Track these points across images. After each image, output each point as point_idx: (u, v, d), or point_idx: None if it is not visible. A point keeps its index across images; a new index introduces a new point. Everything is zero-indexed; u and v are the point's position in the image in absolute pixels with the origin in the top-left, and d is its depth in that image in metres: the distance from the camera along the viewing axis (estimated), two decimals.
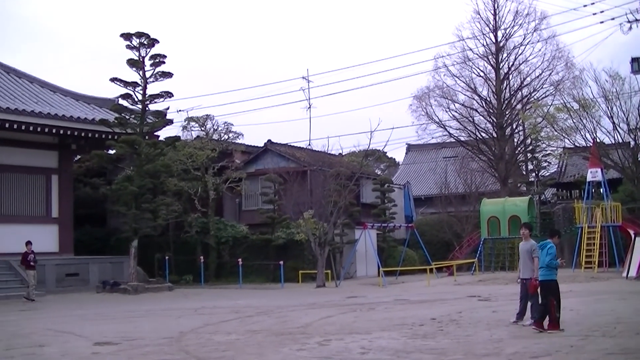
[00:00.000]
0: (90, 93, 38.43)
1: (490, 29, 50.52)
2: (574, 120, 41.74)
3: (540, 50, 49.58)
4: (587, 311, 17.80)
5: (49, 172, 35.74)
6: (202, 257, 38.52)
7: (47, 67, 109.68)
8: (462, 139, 52.99)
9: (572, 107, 41.89)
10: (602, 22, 41.91)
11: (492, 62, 50.70)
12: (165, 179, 37.35)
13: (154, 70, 33.44)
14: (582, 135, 42.15)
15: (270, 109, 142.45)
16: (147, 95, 33.58)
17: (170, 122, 37.12)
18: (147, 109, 33.97)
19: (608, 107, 40.88)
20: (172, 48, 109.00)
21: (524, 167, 54.17)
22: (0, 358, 13.02)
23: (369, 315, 19.43)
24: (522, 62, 50.38)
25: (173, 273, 38.31)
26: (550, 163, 52.67)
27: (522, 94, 51.10)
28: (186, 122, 43.03)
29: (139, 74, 33.31)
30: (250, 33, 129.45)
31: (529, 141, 50.87)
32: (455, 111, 51.68)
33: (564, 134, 43.46)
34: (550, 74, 49.01)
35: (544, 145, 48.91)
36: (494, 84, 50.49)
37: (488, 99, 51.12)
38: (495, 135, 50.62)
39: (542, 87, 49.78)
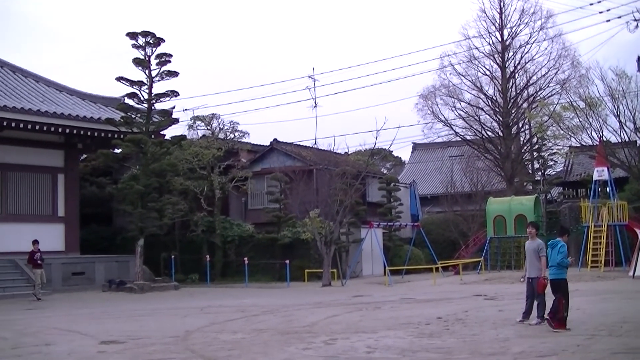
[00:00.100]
0: (96, 92, 38.57)
1: (496, 27, 50.52)
2: (580, 119, 41.64)
3: (546, 48, 49.60)
4: (594, 310, 17.77)
5: (55, 171, 35.80)
6: (208, 256, 38.51)
7: (52, 66, 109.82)
8: (468, 137, 52.96)
9: (579, 105, 41.81)
10: (608, 21, 41.95)
11: (498, 61, 50.66)
12: (171, 178, 37.41)
13: (159, 69, 33.45)
14: (588, 134, 42.08)
15: (276, 108, 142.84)
16: (153, 94, 33.58)
17: (176, 121, 37.21)
18: (153, 108, 33.98)
19: (614, 106, 40.80)
20: (177, 47, 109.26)
21: (530, 166, 54.06)
22: (7, 356, 13.05)
23: (375, 314, 19.42)
24: (528, 61, 50.36)
25: (179, 272, 38.31)
26: (557, 162, 52.61)
27: (528, 92, 51.04)
28: (192, 121, 43.07)
29: (145, 73, 33.32)
30: (255, 32, 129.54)
31: (535, 140, 50.80)
32: (461, 110, 51.69)
33: (570, 133, 43.36)
34: (557, 72, 49.02)
35: (550, 144, 48.80)
36: (500, 82, 50.45)
37: (494, 98, 51.09)
38: (501, 134, 50.57)
39: (548, 86, 49.77)
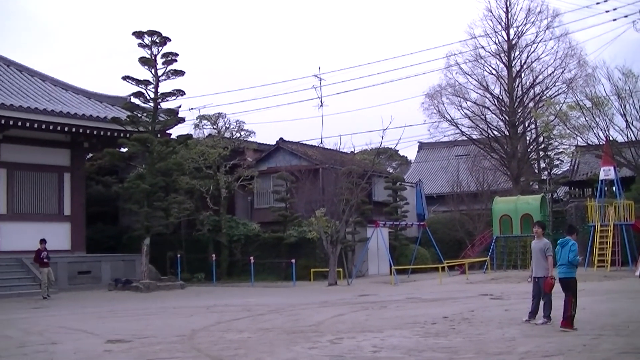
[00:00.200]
0: (102, 91, 38.62)
1: (502, 26, 50.44)
2: (587, 118, 41.46)
3: (552, 48, 49.54)
4: (600, 310, 17.73)
5: (61, 170, 35.87)
6: (214, 255, 38.52)
7: (52, 66, 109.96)
8: (474, 137, 52.89)
9: (585, 105, 41.62)
10: (615, 20, 41.90)
11: (504, 60, 50.60)
12: (177, 177, 37.48)
13: (165, 69, 33.51)
14: (594, 133, 41.86)
15: (282, 107, 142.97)
16: (159, 94, 33.64)
17: (182, 120, 37.22)
18: (159, 107, 34.03)
19: (621, 105, 40.62)
20: (183, 46, 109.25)
21: (536, 165, 54.02)
22: (13, 355, 13.07)
23: (381, 314, 19.40)
24: (535, 60, 50.29)
25: (185, 271, 38.34)
26: (563, 161, 52.57)
27: (534, 91, 50.96)
28: (198, 120, 43.09)
29: (151, 72, 33.38)
30: (262, 31, 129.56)
31: (541, 139, 50.75)
32: (467, 109, 51.62)
33: (576, 132, 43.18)
34: (563, 71, 48.93)
35: (556, 144, 48.69)
36: (506, 81, 50.39)
37: (500, 97, 51.03)
38: (507, 133, 50.51)
39: (554, 85, 49.67)
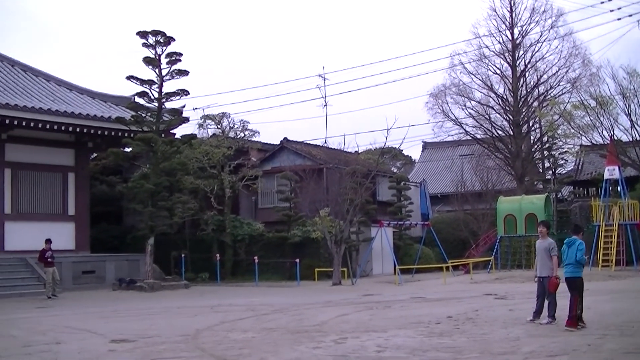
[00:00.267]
0: (105, 91, 38.66)
1: (506, 26, 50.48)
2: (591, 118, 41.48)
3: (557, 47, 49.58)
4: (605, 310, 17.70)
5: (65, 170, 35.90)
6: (218, 255, 38.54)
7: (54, 66, 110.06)
8: (478, 136, 52.95)
9: (589, 104, 41.63)
10: (619, 19, 41.94)
11: (508, 60, 50.61)
12: (182, 176, 37.48)
13: (170, 68, 33.48)
14: (599, 133, 41.87)
15: (286, 107, 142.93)
16: (163, 93, 33.62)
17: (187, 120, 37.19)
18: (163, 106, 34.02)
19: (626, 105, 40.63)
20: (187, 46, 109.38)
21: (540, 164, 53.97)
22: (18, 354, 13.08)
23: (385, 313, 19.39)
24: (539, 60, 50.36)
25: (189, 271, 38.35)
26: (567, 161, 52.54)
27: (538, 91, 50.99)
28: (202, 120, 43.12)
29: (155, 72, 33.35)
30: (266, 31, 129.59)
31: (545, 139, 50.73)
32: (472, 109, 51.68)
33: (580, 132, 43.19)
34: (567, 71, 48.95)
35: (560, 143, 48.73)
36: (511, 81, 50.40)
37: (504, 97, 51.04)
38: (511, 133, 50.52)
39: (558, 85, 49.71)
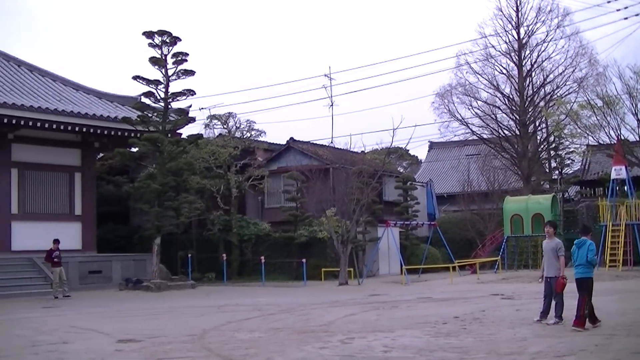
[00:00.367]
0: (112, 91, 38.70)
1: (512, 25, 50.46)
2: (598, 118, 41.45)
3: (563, 47, 49.54)
4: (612, 310, 17.64)
5: (72, 170, 35.93)
6: (224, 255, 38.53)
7: (55, 66, 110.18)
8: (484, 136, 52.92)
9: (596, 104, 41.61)
10: (626, 19, 41.78)
11: (514, 59, 50.56)
12: (188, 176, 37.50)
13: (176, 68, 33.47)
14: (606, 133, 41.86)
15: (293, 107, 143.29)
16: (169, 93, 33.62)
17: (193, 120, 37.24)
18: (169, 106, 34.02)
19: (632, 104, 40.62)
20: (193, 46, 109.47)
21: (547, 164, 53.91)
22: (25, 354, 13.09)
23: (392, 314, 19.38)
24: (545, 59, 50.31)
25: (195, 271, 38.33)
26: (574, 161, 52.42)
27: (545, 91, 50.94)
28: (208, 120, 43.12)
29: (162, 72, 33.35)
30: (272, 31, 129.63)
31: (552, 138, 50.65)
32: (478, 109, 51.66)
33: (587, 131, 43.18)
34: (574, 70, 48.90)
35: (567, 143, 48.63)
36: (517, 81, 50.35)
37: (511, 96, 51.01)
38: (518, 133, 50.47)
39: (565, 84, 49.67)
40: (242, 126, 43.10)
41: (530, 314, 16.77)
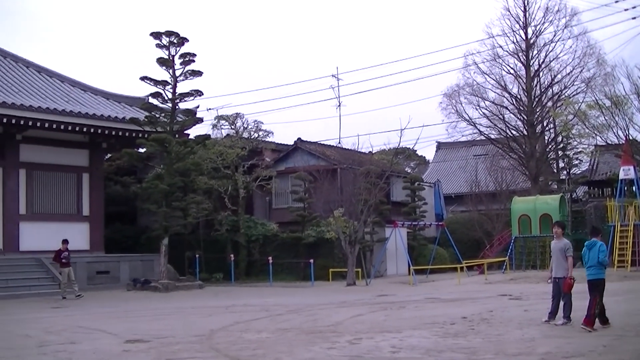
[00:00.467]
0: (119, 92, 38.73)
1: (520, 25, 50.34)
2: (606, 118, 41.34)
3: (571, 47, 49.40)
4: (620, 310, 17.59)
5: (80, 171, 35.97)
6: (232, 255, 38.56)
7: (74, 66, 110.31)
8: (492, 136, 52.83)
9: (604, 104, 41.50)
10: (634, 18, 41.63)
11: (522, 59, 50.46)
12: (196, 177, 37.54)
13: (183, 69, 33.48)
14: (614, 133, 41.74)
15: (300, 107, 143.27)
16: (177, 94, 33.62)
17: (200, 120, 37.28)
18: (177, 107, 34.02)
19: None
20: (201, 47, 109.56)
21: (555, 164, 53.79)
22: (33, 354, 13.11)
23: (400, 314, 19.36)
24: (553, 59, 50.18)
25: (203, 271, 38.35)
26: (582, 161, 52.26)
27: (552, 91, 50.82)
28: (216, 120, 43.16)
29: (169, 72, 33.35)
30: (279, 31, 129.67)
31: (560, 139, 50.53)
32: (486, 109, 51.58)
33: (595, 132, 43.08)
34: (582, 70, 48.76)
35: (575, 143, 48.50)
36: (525, 81, 50.26)
37: (518, 97, 50.91)
38: (525, 133, 50.37)
39: (573, 84, 49.52)
40: (249, 127, 43.16)
41: (539, 315, 16.74)
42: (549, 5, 49.86)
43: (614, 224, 36.88)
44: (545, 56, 50.15)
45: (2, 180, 33.30)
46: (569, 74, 49.36)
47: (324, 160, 44.05)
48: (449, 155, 72.54)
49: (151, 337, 15.02)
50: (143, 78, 33.15)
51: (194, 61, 33.42)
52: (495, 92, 51.54)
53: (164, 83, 33.35)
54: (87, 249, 35.08)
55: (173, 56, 33.25)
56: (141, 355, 12.82)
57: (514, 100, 51.03)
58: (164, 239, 32.72)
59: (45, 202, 34.71)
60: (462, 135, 54.70)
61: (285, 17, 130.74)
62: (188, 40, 33.21)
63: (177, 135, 34.54)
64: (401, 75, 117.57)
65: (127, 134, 34.67)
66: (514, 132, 51.15)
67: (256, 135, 43.28)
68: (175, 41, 33.04)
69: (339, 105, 56.13)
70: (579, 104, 45.49)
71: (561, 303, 15.43)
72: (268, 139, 44.41)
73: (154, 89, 33.53)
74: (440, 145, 74.40)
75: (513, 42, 50.53)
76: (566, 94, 49.41)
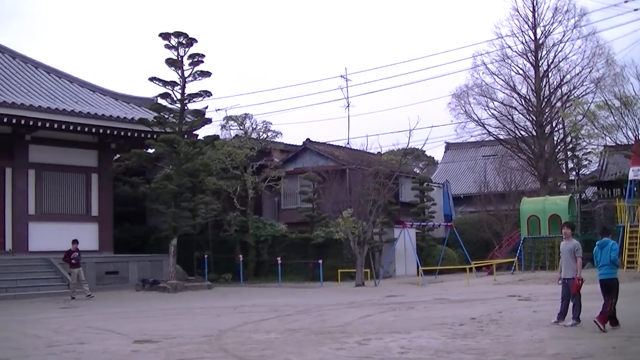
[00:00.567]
0: (128, 92, 38.80)
1: (529, 26, 50.20)
2: (615, 118, 41.24)
3: (580, 47, 49.21)
4: (630, 312, 17.51)
5: (89, 171, 36.05)
6: (241, 256, 38.58)
7: (82, 67, 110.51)
8: (501, 137, 52.72)
9: (613, 104, 41.39)
10: None
11: (531, 60, 50.33)
12: (204, 177, 37.55)
13: (192, 70, 33.48)
14: (623, 133, 41.63)
15: (309, 108, 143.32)
16: (185, 95, 33.63)
17: (209, 121, 37.29)
18: (185, 108, 34.04)
19: None
20: (210, 48, 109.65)
21: (564, 165, 53.70)
22: (42, 354, 13.14)
23: (409, 315, 19.34)
24: (562, 60, 49.98)
25: (212, 271, 38.37)
26: (591, 161, 52.24)
27: (562, 91, 50.67)
28: (225, 121, 43.22)
29: (178, 73, 33.36)
30: (288, 32, 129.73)
31: (569, 139, 50.47)
32: (494, 109, 51.46)
33: (604, 132, 42.96)
34: (591, 71, 48.57)
35: (584, 143, 48.48)
36: (533, 81, 50.13)
37: (527, 97, 50.78)
38: (534, 134, 50.25)
39: (582, 85, 49.34)
40: (258, 127, 43.20)
41: (548, 316, 16.70)
42: (558, 6, 49.75)
43: (624, 225, 36.79)
44: (555, 56, 50.04)
45: (12, 180, 33.41)
46: (578, 74, 49.23)
47: (332, 161, 44.07)
48: (457, 156, 72.50)
49: (160, 337, 15.03)
50: (152, 79, 33.18)
51: (202, 62, 33.44)
52: (504, 93, 51.48)
53: (172, 84, 33.36)
54: (96, 249, 35.13)
55: (182, 57, 33.27)
56: (150, 355, 12.83)
57: (522, 100, 50.91)
58: (173, 240, 32.74)
59: (55, 203, 34.80)
60: (471, 136, 54.66)
61: (294, 17, 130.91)
62: (197, 41, 33.26)
63: (185, 136, 34.57)
64: (410, 75, 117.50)
65: (136, 135, 34.71)
66: (522, 133, 51.03)
67: (265, 135, 43.33)
68: (184, 42, 33.06)
69: (348, 106, 56.14)
70: (588, 105, 45.37)
71: (570, 304, 15.40)
72: (277, 140, 44.47)
73: (162, 90, 33.58)
74: (449, 146, 74.39)
75: (522, 43, 50.44)
76: (575, 95, 49.27)
